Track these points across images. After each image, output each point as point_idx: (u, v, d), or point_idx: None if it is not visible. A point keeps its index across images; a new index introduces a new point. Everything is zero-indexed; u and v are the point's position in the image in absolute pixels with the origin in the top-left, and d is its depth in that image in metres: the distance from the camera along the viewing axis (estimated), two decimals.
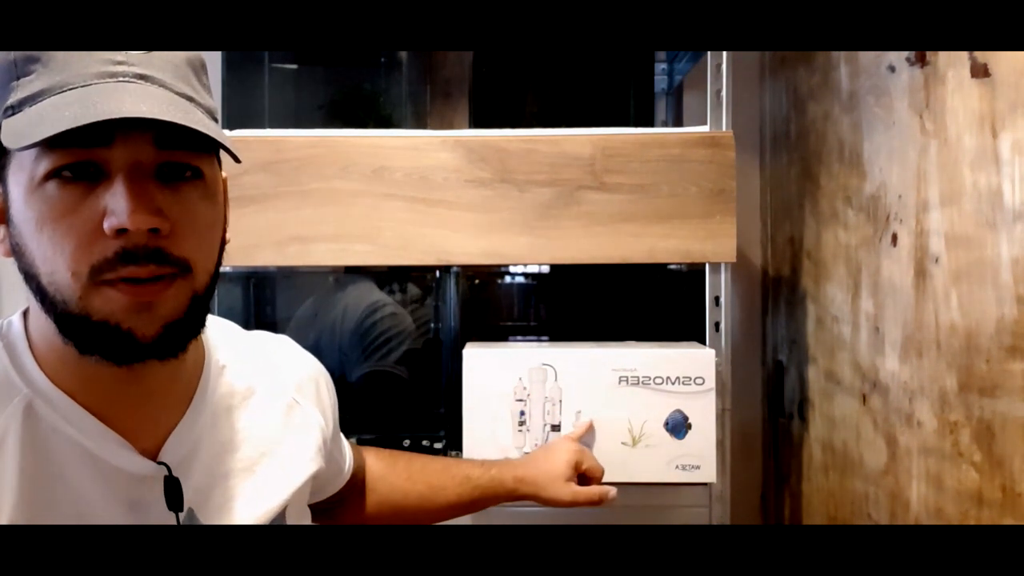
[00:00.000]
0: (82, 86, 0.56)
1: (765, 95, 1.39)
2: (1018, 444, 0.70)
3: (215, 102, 0.64)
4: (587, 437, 1.06)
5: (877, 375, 0.96)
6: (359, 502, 0.91)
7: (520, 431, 1.07)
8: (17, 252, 0.58)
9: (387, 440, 1.19)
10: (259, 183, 1.10)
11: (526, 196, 1.11)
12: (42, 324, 0.60)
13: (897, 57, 0.90)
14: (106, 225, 0.55)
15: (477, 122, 1.30)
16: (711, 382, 1.06)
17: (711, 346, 1.12)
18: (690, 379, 1.05)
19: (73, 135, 0.53)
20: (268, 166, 1.10)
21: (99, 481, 0.60)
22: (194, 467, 0.64)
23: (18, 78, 0.57)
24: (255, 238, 1.10)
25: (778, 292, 1.33)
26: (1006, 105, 0.70)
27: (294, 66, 1.34)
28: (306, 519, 0.75)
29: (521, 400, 1.07)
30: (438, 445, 1.22)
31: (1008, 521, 0.71)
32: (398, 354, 1.26)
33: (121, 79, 0.56)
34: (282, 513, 0.70)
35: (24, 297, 0.60)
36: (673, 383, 1.06)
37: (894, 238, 0.91)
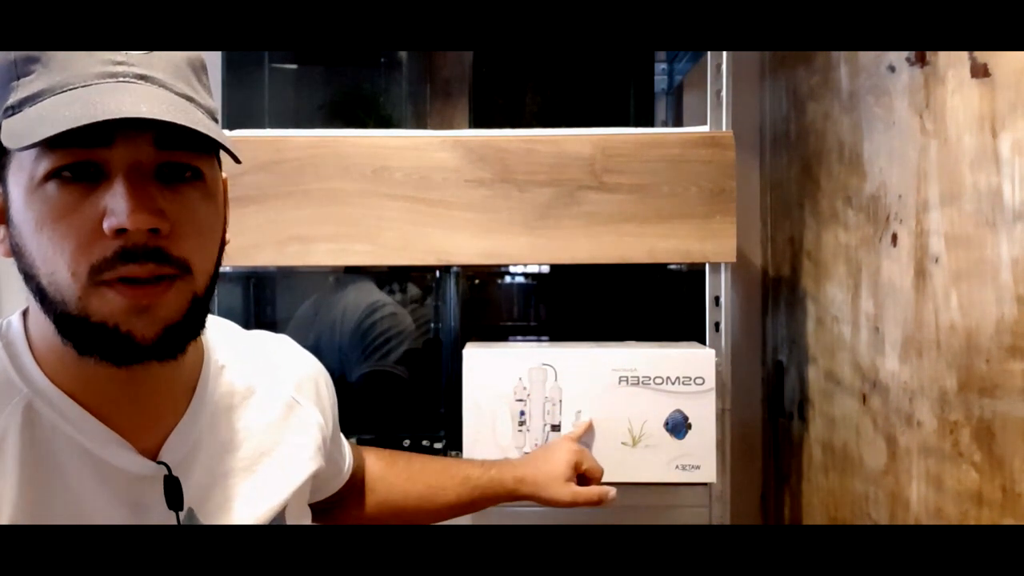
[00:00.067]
0: (82, 86, 0.56)
1: (765, 95, 1.39)
2: (1018, 444, 0.70)
3: (215, 102, 0.64)
4: (587, 437, 1.06)
5: (877, 375, 0.96)
6: (359, 502, 0.91)
7: (520, 431, 1.07)
8: (17, 252, 0.58)
9: (387, 440, 1.19)
10: (259, 183, 1.10)
11: (526, 196, 1.11)
12: (42, 324, 0.59)
13: (897, 57, 0.90)
14: (106, 225, 0.55)
15: (477, 122, 1.30)
16: (711, 382, 1.05)
17: (711, 346, 1.12)
18: (690, 379, 1.05)
19: (73, 135, 0.52)
20: (268, 166, 1.10)
21: (99, 481, 0.60)
22: (194, 467, 0.64)
23: (18, 78, 0.57)
24: (255, 238, 1.10)
25: (778, 292, 1.33)
26: (1006, 105, 0.70)
27: (294, 66, 1.34)
28: (306, 518, 0.75)
29: (521, 400, 1.07)
30: (438, 445, 1.21)
31: (1008, 521, 0.71)
32: (398, 354, 1.26)
33: (121, 79, 0.56)
34: (282, 512, 0.70)
35: (24, 297, 0.60)
36: (673, 383, 1.06)
37: (894, 238, 0.91)
